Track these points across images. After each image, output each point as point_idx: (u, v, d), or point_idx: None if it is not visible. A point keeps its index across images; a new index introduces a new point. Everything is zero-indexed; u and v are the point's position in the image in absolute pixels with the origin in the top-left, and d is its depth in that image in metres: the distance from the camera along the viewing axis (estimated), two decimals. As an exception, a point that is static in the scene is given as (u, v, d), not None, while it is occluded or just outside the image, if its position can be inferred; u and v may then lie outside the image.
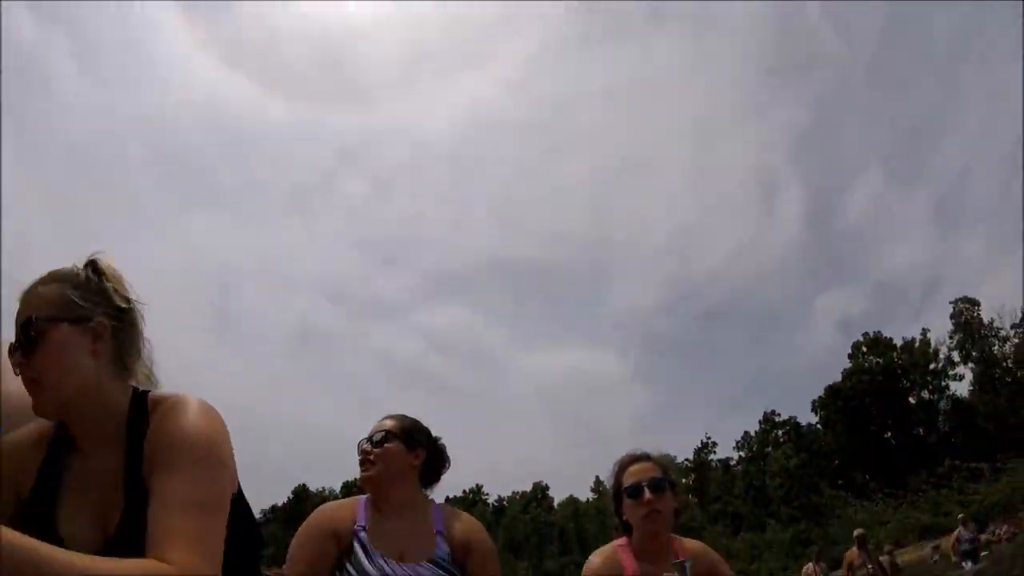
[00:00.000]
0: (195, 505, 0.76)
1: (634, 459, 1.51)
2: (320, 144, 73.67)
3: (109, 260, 0.91)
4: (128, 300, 0.90)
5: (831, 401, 32.34)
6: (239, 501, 0.89)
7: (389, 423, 1.49)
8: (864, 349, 32.46)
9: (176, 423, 0.82)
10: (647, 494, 1.43)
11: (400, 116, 72.09)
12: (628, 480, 1.47)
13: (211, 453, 0.81)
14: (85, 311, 0.86)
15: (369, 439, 1.47)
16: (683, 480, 35.22)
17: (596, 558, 1.48)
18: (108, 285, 0.89)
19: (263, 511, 42.12)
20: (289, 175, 69.99)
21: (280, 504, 41.76)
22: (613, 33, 64.77)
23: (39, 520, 0.83)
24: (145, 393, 0.89)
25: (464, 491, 43.51)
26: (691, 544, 1.52)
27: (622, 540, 1.51)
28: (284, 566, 1.38)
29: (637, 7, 67.83)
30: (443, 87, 73.22)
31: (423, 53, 75.06)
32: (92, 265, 0.90)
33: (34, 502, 0.85)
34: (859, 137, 54.76)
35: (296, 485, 42.67)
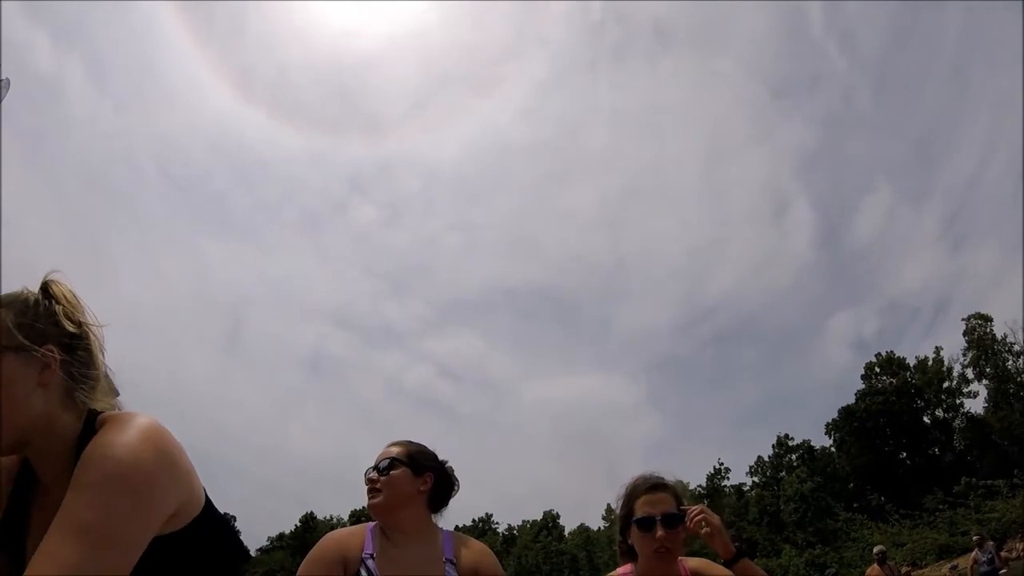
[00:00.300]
0: (83, 530, 0.70)
1: (650, 487, 1.44)
2: (332, 172, 74.59)
3: (64, 283, 0.87)
4: (80, 324, 0.85)
5: (845, 423, 31.95)
6: (207, 522, 0.84)
7: (395, 449, 1.47)
8: (877, 369, 32.14)
9: (100, 440, 0.77)
10: (660, 531, 1.37)
11: (411, 144, 72.98)
12: (641, 510, 1.41)
13: (127, 477, 0.74)
14: (31, 338, 0.81)
15: (375, 466, 1.45)
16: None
17: None
18: (58, 308, 0.84)
19: (270, 538, 41.93)
20: (301, 202, 70.77)
21: (288, 532, 41.42)
22: (620, 58, 65.67)
23: (10, 558, 0.80)
24: (97, 414, 0.84)
25: (474, 520, 43.04)
26: (693, 562, 1.47)
27: (627, 568, 1.46)
28: None
29: (643, 32, 68.69)
30: (453, 115, 74.24)
31: (434, 82, 76.23)
32: (45, 288, 0.85)
33: (2, 541, 0.82)
34: (866, 155, 54.96)
35: (304, 512, 42.33)
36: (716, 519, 1.36)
